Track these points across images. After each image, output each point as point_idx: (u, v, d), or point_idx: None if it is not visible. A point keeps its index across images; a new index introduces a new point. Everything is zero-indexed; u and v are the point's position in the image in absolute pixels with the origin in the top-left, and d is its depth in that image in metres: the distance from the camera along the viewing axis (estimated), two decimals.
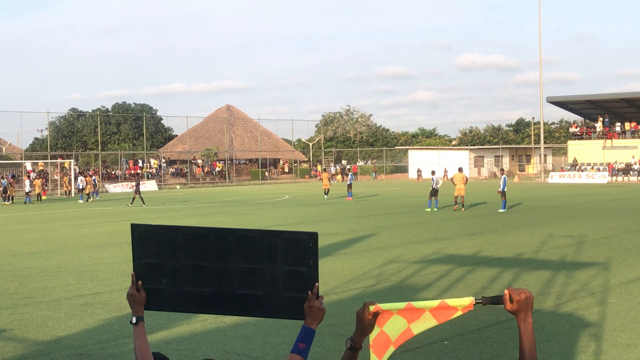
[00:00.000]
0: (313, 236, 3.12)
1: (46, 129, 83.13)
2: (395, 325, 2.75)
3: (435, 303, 2.68)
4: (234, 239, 3.18)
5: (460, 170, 34.27)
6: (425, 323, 2.72)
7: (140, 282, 3.26)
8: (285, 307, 3.16)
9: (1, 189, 47.18)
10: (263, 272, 3.16)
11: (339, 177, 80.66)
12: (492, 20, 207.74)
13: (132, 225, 3.32)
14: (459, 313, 2.68)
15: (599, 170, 69.67)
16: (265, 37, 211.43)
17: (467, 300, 2.65)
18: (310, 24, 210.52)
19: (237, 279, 3.19)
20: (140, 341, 3.19)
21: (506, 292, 2.60)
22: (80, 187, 47.70)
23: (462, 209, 32.21)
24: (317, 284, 3.10)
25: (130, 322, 3.22)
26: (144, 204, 39.68)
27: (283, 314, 3.18)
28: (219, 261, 3.20)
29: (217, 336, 9.65)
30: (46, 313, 11.38)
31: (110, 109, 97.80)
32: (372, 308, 2.74)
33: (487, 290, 12.65)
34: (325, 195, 43.24)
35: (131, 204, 39.61)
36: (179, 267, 3.24)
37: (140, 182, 43.88)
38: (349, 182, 45.04)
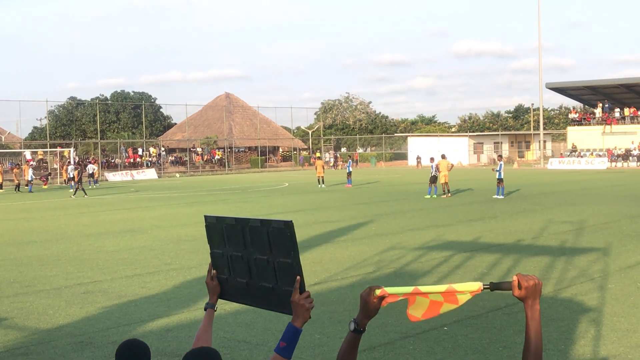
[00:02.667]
0: (288, 224, 2.95)
1: (45, 117, 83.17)
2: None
3: (442, 288, 2.65)
4: (248, 229, 3.18)
5: (443, 157, 34.38)
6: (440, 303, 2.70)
7: (214, 272, 3.38)
8: (286, 302, 3.02)
9: None
10: (269, 263, 3.11)
11: (330, 163, 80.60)
12: (487, 7, 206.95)
13: (204, 216, 3.45)
14: (469, 296, 2.66)
15: (598, 156, 69.65)
16: (262, 24, 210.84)
17: (475, 286, 2.63)
18: (305, 12, 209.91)
19: (256, 270, 3.17)
20: (202, 326, 3.31)
21: (515, 278, 2.58)
22: (71, 176, 47.31)
23: (449, 194, 32.27)
24: (298, 277, 2.94)
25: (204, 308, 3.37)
26: (79, 193, 39.01)
27: (287, 309, 3.03)
28: (245, 252, 3.22)
29: (218, 323, 9.67)
30: (47, 301, 11.41)
31: (109, 98, 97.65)
32: (378, 292, 2.71)
33: (488, 277, 12.68)
34: (322, 184, 43.10)
35: (74, 194, 39.11)
36: (229, 257, 3.30)
37: (83, 172, 43.64)
38: (348, 170, 45.01)
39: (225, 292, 3.36)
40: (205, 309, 3.37)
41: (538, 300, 2.59)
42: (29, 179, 47.15)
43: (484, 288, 2.63)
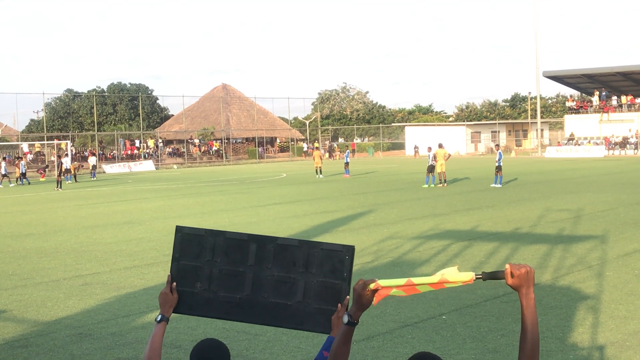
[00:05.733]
0: (350, 250, 3.13)
1: (42, 110, 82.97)
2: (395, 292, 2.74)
3: (435, 279, 2.65)
4: (272, 246, 3.18)
5: (440, 146, 34.22)
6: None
7: (174, 284, 3.25)
8: (313, 319, 3.15)
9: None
10: (296, 281, 3.16)
11: (326, 155, 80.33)
12: None
13: (177, 227, 3.32)
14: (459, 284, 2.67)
15: (595, 144, 69.67)
16: (258, 15, 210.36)
17: (468, 276, 2.62)
18: (302, 1, 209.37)
19: (270, 286, 3.18)
20: (156, 339, 3.18)
21: (507, 267, 2.58)
22: (67, 168, 47.14)
23: (445, 184, 32.25)
24: (348, 297, 3.09)
25: (155, 320, 3.20)
26: (59, 187, 38.88)
27: (310, 326, 3.17)
28: (255, 268, 3.19)
29: None
30: (45, 293, 11.41)
31: (105, 90, 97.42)
32: (372, 286, 2.72)
33: (485, 265, 12.70)
34: (320, 175, 43.13)
35: (60, 187, 39.02)
36: (215, 272, 3.24)
37: (62, 164, 43.33)
38: (346, 160, 45.02)
39: (191, 306, 3.26)
40: (159, 321, 3.18)
41: (532, 289, 2.59)
42: (22, 171, 46.74)
43: (477, 278, 2.63)
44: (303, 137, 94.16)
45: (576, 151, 67.67)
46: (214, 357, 3.08)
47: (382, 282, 2.71)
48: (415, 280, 2.67)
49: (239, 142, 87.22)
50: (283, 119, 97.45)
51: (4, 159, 50.12)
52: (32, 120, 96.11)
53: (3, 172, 46.48)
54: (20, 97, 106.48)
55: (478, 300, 10.05)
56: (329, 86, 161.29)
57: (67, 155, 51.50)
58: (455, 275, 2.64)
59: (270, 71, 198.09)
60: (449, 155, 34.25)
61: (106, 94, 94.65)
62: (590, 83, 79.02)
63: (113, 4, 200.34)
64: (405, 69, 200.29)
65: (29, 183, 46.60)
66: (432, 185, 32.10)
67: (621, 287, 10.69)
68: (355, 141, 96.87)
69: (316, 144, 76.44)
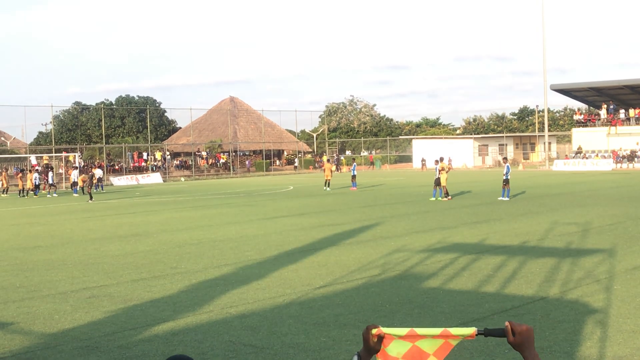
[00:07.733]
0: None
1: (50, 122, 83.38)
2: (399, 347, 2.77)
3: (437, 331, 2.73)
4: None
5: (441, 159, 34.27)
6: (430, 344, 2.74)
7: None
8: None
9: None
10: None
11: (333, 167, 80.00)
12: (487, 9, 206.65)
13: None
14: (460, 339, 2.74)
15: (603, 157, 69.51)
16: (266, 28, 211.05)
17: (469, 331, 2.70)
18: (308, 15, 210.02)
19: None
20: None
21: (507, 324, 2.65)
22: (74, 180, 47.84)
23: (449, 197, 32.14)
24: None
25: None
26: (90, 199, 39.20)
27: None
28: None
29: (223, 327, 9.68)
30: (52, 306, 11.42)
31: (114, 102, 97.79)
32: (374, 331, 2.76)
33: (493, 279, 12.66)
34: (327, 187, 43.12)
35: (90, 199, 39.18)
36: None
37: (94, 177, 43.62)
38: (353, 173, 45.00)
39: None
40: None
41: (533, 346, 2.63)
42: (36, 183, 46.97)
43: (478, 333, 2.69)
44: (310, 150, 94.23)
45: (584, 164, 67.53)
46: None
47: (385, 330, 2.76)
48: (418, 331, 2.73)
49: (247, 154, 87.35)
50: (290, 131, 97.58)
51: (52, 169, 50.73)
52: (40, 132, 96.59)
53: (50, 182, 47.19)
54: (29, 109, 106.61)
55: (485, 313, 10.02)
56: (337, 99, 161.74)
57: (75, 168, 51.67)
58: (457, 329, 2.73)
59: (278, 84, 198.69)
60: (449, 168, 34.26)
61: (114, 106, 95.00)
62: (597, 96, 78.95)
63: (121, 17, 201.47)
64: (412, 82, 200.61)
65: (36, 195, 46.74)
66: (439, 198, 32.07)
67: (629, 301, 10.64)
68: (362, 154, 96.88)
69: (325, 157, 76.37)
